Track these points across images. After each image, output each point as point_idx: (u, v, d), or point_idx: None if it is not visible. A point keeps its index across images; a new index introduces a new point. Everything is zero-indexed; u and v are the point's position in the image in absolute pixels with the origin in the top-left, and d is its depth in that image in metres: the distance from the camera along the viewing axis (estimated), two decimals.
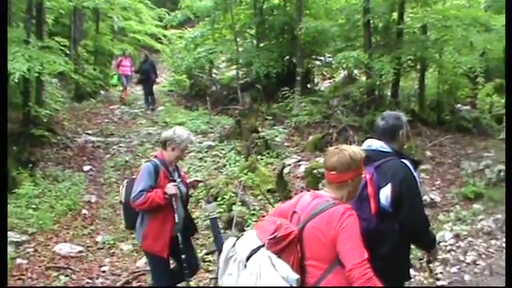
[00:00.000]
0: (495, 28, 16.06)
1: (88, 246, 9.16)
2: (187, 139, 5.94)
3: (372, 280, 3.37)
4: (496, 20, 16.00)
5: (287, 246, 3.52)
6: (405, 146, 4.78)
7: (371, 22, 15.68)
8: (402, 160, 4.21)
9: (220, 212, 9.42)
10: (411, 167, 4.21)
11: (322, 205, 3.61)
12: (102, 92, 21.92)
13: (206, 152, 13.27)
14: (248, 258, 3.52)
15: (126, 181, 6.15)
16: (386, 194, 4.05)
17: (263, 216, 8.30)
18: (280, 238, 3.50)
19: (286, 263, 3.48)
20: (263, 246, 3.51)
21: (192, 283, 7.54)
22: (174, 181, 5.85)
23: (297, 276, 3.45)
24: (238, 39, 18.50)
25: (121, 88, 21.22)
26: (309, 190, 4.19)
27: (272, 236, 3.49)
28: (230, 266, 3.68)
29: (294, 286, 3.42)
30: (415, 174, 4.23)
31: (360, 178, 3.83)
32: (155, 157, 5.97)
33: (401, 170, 4.09)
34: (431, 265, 5.83)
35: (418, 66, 17.14)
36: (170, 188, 5.69)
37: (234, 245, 3.72)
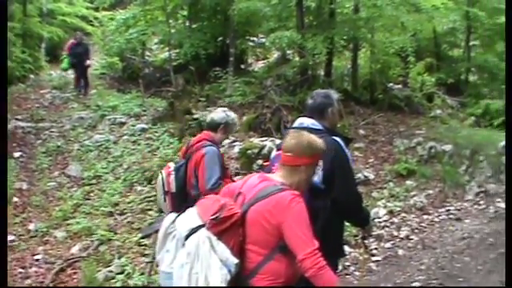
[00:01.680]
0: (425, 8, 16.38)
1: (20, 235, 8.95)
2: (237, 122, 5.84)
3: (324, 269, 3.30)
4: (426, 1, 16.30)
5: (229, 228, 3.41)
6: (338, 125, 4.80)
7: (304, 1, 15.71)
8: (334, 137, 4.21)
9: (155, 195, 9.35)
10: (343, 144, 4.22)
11: (269, 188, 3.50)
12: (32, 76, 21.32)
13: (140, 135, 13.12)
14: (187, 237, 3.39)
15: (172, 167, 5.65)
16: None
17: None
18: (222, 218, 3.39)
19: (226, 246, 3.37)
20: (204, 225, 3.39)
21: (128, 267, 7.49)
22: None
23: (236, 260, 3.35)
24: (170, 21, 18.30)
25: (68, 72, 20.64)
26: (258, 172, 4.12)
27: (214, 216, 3.38)
28: (168, 242, 3.59)
29: (233, 270, 3.34)
30: (347, 151, 4.25)
31: (313, 169, 3.75)
32: (205, 140, 5.58)
33: (332, 147, 4.07)
34: (366, 241, 5.88)
35: (351, 46, 17.30)
36: None
37: (173, 221, 3.61)
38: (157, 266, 6.43)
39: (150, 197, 9.63)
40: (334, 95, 4.55)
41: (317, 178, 4.03)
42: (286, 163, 3.66)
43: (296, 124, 4.41)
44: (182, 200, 5.38)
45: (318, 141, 3.70)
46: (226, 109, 5.99)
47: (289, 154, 3.62)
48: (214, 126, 5.65)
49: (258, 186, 3.58)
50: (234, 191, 3.75)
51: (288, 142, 3.66)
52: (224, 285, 3.28)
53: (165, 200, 5.56)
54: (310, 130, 4.12)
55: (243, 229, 3.50)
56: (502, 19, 20.79)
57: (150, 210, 9.34)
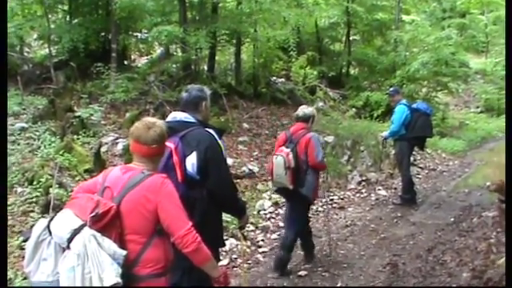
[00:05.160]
0: (305, 3, 16.70)
1: None
2: None
3: (202, 243, 3.51)
4: None
5: (109, 223, 3.40)
6: (222, 119, 4.85)
7: None
8: (207, 129, 4.35)
9: (37, 196, 9.01)
10: (216, 136, 4.36)
11: (137, 177, 3.56)
12: None
13: (19, 134, 12.54)
14: (70, 239, 3.31)
15: (286, 152, 7.00)
16: (191, 162, 4.17)
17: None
18: (101, 214, 3.38)
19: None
20: (85, 224, 3.34)
21: (10, 272, 7.16)
22: None
23: (124, 252, 3.37)
24: (49, 15, 17.70)
25: None
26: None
27: (94, 213, 3.35)
28: (44, 250, 3.47)
29: (121, 262, 3.34)
30: (220, 142, 4.38)
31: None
32: (303, 128, 7.16)
33: (205, 139, 4.24)
34: (243, 231, 6.02)
35: (235, 41, 17.37)
36: None
37: (46, 227, 3.48)
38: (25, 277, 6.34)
39: (31, 198, 9.21)
40: (206, 89, 4.73)
41: (191, 169, 4.17)
42: (154, 155, 3.73)
43: (169, 118, 4.51)
44: (298, 172, 6.95)
45: (158, 120, 3.86)
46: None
47: (155, 145, 3.67)
48: (306, 119, 7.22)
49: (123, 177, 3.62)
50: (94, 188, 3.73)
51: (149, 135, 3.68)
52: (118, 279, 3.27)
53: (286, 173, 6.90)
54: (184, 124, 4.33)
55: (120, 221, 3.50)
56: (380, 15, 21.68)
57: (32, 211, 8.93)
